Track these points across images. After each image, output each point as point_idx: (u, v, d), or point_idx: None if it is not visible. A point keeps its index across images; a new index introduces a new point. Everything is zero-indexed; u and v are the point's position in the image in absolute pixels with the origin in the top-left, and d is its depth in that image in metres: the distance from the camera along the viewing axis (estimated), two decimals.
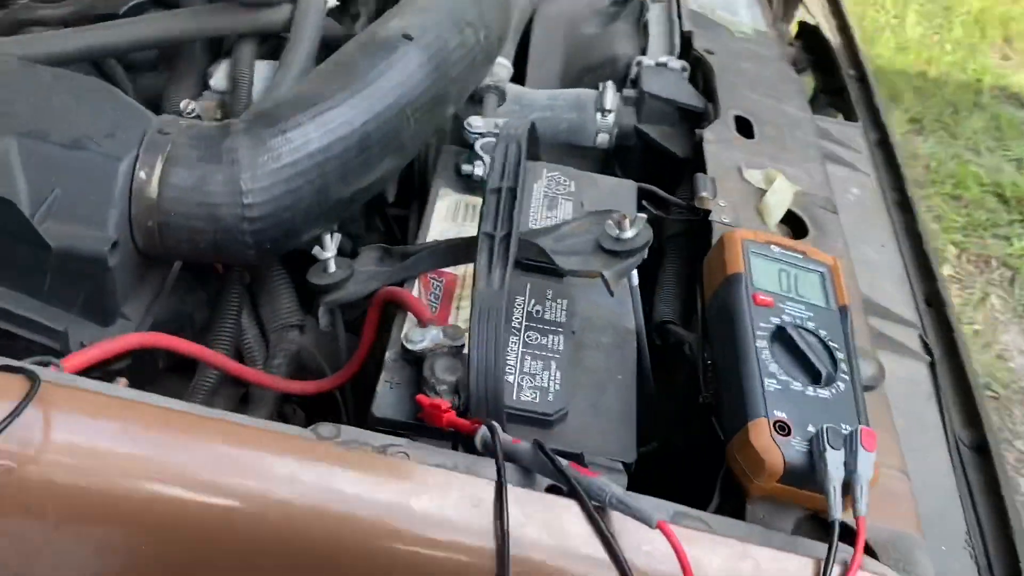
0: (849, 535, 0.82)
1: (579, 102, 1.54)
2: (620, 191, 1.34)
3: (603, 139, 1.53)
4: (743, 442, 0.89)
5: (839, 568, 0.81)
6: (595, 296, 1.16)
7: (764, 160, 1.37)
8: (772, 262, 1.06)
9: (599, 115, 1.52)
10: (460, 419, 0.95)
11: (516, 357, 1.07)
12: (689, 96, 1.53)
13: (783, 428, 0.89)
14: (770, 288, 1.02)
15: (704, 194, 1.23)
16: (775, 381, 0.93)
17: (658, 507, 0.84)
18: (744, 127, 1.45)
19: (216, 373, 1.15)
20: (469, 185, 1.31)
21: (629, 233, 1.06)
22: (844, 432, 0.89)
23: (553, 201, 1.28)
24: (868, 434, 0.88)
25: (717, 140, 1.39)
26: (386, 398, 1.00)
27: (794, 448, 0.88)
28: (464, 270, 1.18)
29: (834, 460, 0.86)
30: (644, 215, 1.07)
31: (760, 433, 0.88)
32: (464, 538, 0.79)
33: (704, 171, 1.31)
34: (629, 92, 1.54)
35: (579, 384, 1.06)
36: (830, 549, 0.81)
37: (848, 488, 0.86)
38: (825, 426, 0.88)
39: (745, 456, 0.89)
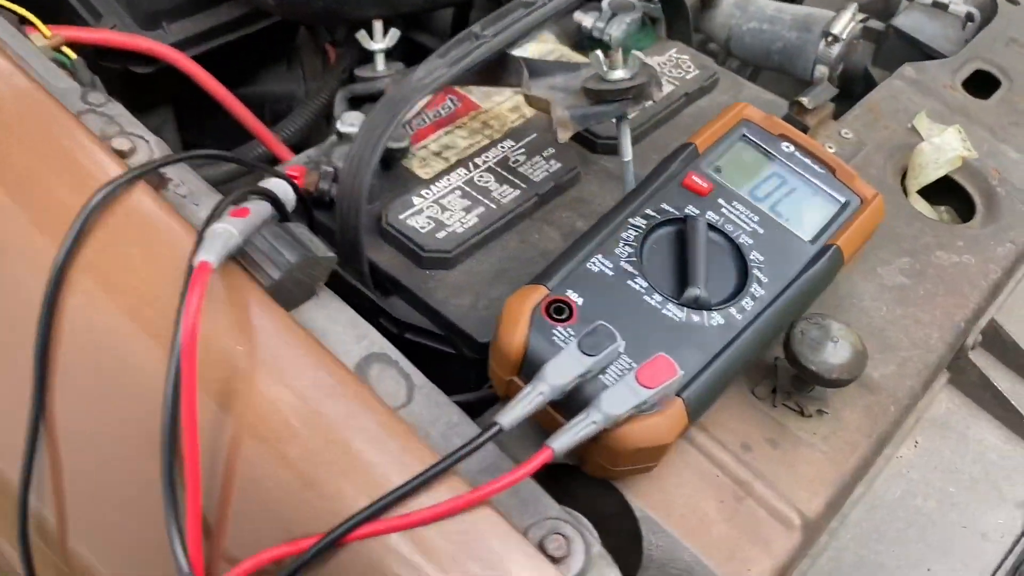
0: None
1: (805, 21, 1.22)
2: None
3: (821, 72, 1.20)
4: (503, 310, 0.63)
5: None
6: (611, 184, 0.91)
7: (978, 128, 0.96)
8: (764, 158, 0.73)
9: (823, 41, 1.20)
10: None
11: (448, 186, 0.88)
12: (954, 50, 1.13)
13: (561, 311, 0.61)
14: (728, 182, 0.71)
15: (805, 100, 0.89)
16: (607, 266, 0.64)
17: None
18: (983, 84, 1.03)
19: None
20: (575, 38, 1.11)
21: (617, 73, 0.81)
22: (620, 347, 0.58)
23: None
24: (654, 370, 0.56)
25: (919, 79, 1.00)
26: None
27: (551, 338, 0.60)
28: (490, 106, 1.01)
29: (572, 366, 0.56)
30: (644, 59, 0.81)
31: (522, 301, 0.62)
32: None
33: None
34: (876, 24, 1.19)
35: (502, 248, 0.85)
36: (461, 450, 0.54)
37: (574, 410, 0.57)
38: (600, 324, 0.58)
39: (496, 330, 0.63)
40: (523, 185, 0.90)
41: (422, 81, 0.85)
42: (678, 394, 0.59)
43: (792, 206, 0.70)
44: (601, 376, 0.58)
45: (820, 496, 0.66)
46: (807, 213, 0.70)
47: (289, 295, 0.64)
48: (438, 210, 0.86)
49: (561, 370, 0.56)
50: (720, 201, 0.69)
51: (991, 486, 0.78)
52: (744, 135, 0.74)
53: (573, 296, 0.62)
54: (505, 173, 0.91)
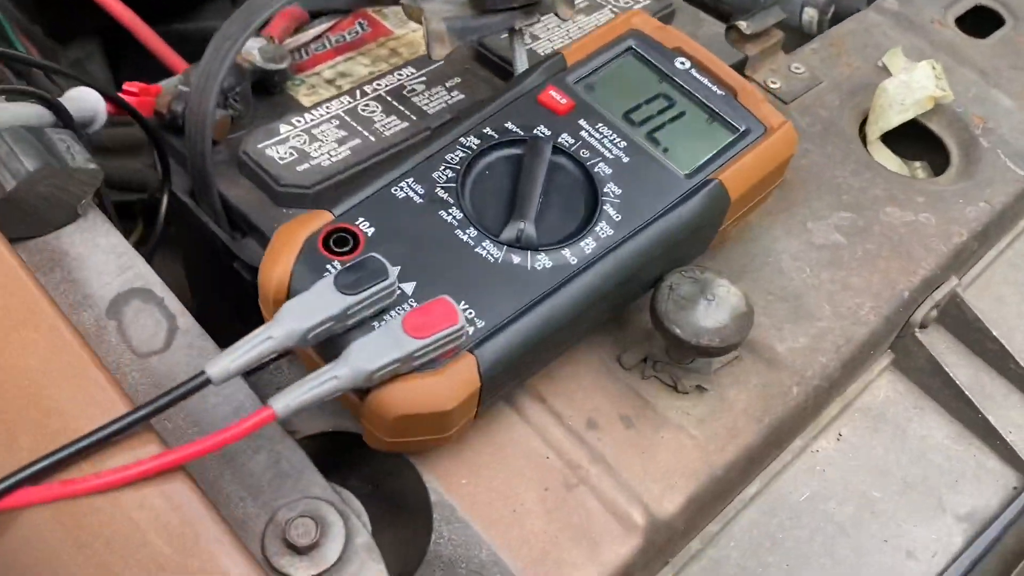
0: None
1: None
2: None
3: (810, 17, 1.04)
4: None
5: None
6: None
7: (966, 70, 0.80)
8: (651, 75, 0.59)
9: None
10: (141, 107, 0.72)
11: (325, 114, 0.77)
12: None
13: (343, 242, 0.49)
14: (597, 101, 0.57)
15: (742, 24, 0.75)
16: (418, 192, 0.52)
17: None
18: (984, 21, 0.87)
19: None
20: None
21: None
22: (393, 286, 0.46)
23: (594, 6, 0.90)
24: (428, 316, 0.44)
25: (902, 12, 0.85)
26: None
27: (323, 274, 0.48)
28: (404, 32, 0.89)
29: (321, 305, 0.44)
30: None
31: (296, 228, 0.50)
32: None
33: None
34: None
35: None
36: (145, 407, 0.42)
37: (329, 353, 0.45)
38: (370, 256, 0.46)
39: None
40: (413, 117, 0.78)
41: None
42: (471, 350, 0.47)
43: (674, 133, 0.57)
44: (375, 323, 0.46)
45: (678, 491, 0.53)
46: (691, 142, 0.56)
47: (38, 214, 0.54)
48: (306, 140, 0.75)
49: (306, 310, 0.44)
50: (581, 122, 0.56)
51: (928, 493, 0.63)
52: (631, 47, 0.60)
53: (363, 225, 0.50)
54: (395, 103, 0.79)
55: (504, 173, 0.54)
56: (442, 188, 0.52)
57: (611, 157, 0.55)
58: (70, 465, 0.41)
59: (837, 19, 1.00)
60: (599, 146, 0.55)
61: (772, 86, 0.75)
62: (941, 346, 0.69)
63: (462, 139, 0.54)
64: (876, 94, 0.75)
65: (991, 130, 0.76)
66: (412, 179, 0.52)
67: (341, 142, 0.75)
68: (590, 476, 0.52)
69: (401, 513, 0.52)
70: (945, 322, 0.71)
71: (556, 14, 0.72)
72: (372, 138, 0.75)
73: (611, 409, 0.55)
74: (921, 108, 0.74)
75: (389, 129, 0.76)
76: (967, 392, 0.66)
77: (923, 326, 0.68)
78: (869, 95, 0.77)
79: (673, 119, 0.57)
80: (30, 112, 0.55)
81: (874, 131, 0.75)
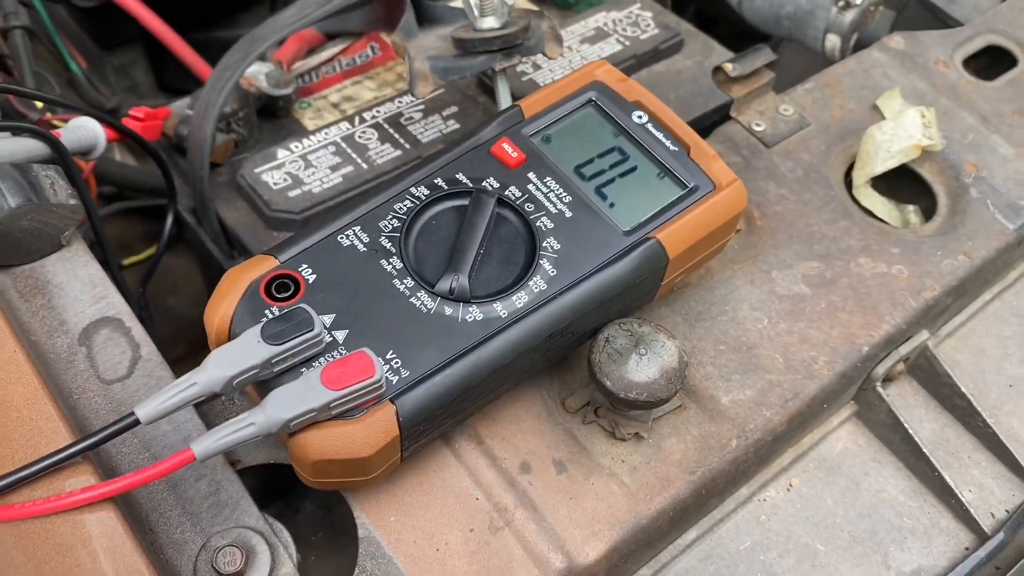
0: None
1: None
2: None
3: (833, 44, 1.04)
4: None
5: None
6: None
7: (965, 114, 0.79)
8: (609, 128, 0.61)
9: (835, 7, 1.03)
10: (147, 130, 0.77)
11: (323, 140, 0.80)
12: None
13: (285, 288, 0.52)
14: (551, 154, 0.59)
15: (728, 67, 0.75)
16: (363, 241, 0.54)
17: None
18: (994, 63, 0.85)
19: None
20: None
21: (487, 22, 0.71)
22: (319, 337, 0.49)
23: (600, 35, 0.91)
24: (346, 368, 0.47)
25: (907, 51, 0.83)
26: None
27: (260, 312, 0.51)
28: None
29: (246, 354, 0.48)
30: (521, 5, 0.70)
31: (241, 272, 0.53)
32: None
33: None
34: None
35: None
36: (76, 444, 0.46)
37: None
38: (298, 308, 0.49)
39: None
40: (407, 146, 0.81)
41: (286, 20, 0.77)
42: (393, 399, 0.49)
43: (623, 188, 0.58)
44: (304, 369, 0.49)
45: (600, 539, 0.55)
46: (638, 198, 0.58)
47: (23, 245, 0.58)
48: (301, 165, 0.78)
49: (230, 358, 0.47)
50: (530, 176, 0.58)
51: (875, 549, 0.64)
52: (592, 100, 0.62)
53: (306, 272, 0.53)
54: (392, 131, 0.82)
55: (448, 224, 0.56)
56: (386, 237, 0.55)
57: (555, 212, 0.56)
58: (11, 491, 0.45)
59: (861, 47, 0.99)
60: (544, 200, 0.57)
61: (756, 128, 0.75)
62: (910, 399, 0.69)
63: (412, 189, 0.57)
64: (863, 140, 0.75)
65: (983, 179, 0.75)
66: (359, 227, 0.55)
67: (335, 168, 0.78)
68: (515, 519, 0.54)
69: (348, 537, 0.55)
70: (916, 375, 0.70)
71: (544, 53, 0.74)
72: (365, 166, 0.79)
73: (546, 453, 0.57)
74: (907, 156, 0.74)
75: (382, 157, 0.80)
76: (925, 449, 0.65)
77: (888, 379, 0.68)
78: (859, 139, 0.76)
79: (624, 174, 0.59)
80: (23, 147, 0.59)
81: (860, 176, 0.75)
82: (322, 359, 0.50)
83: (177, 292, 1.12)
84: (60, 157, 0.62)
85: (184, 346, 1.04)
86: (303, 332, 0.48)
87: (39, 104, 0.96)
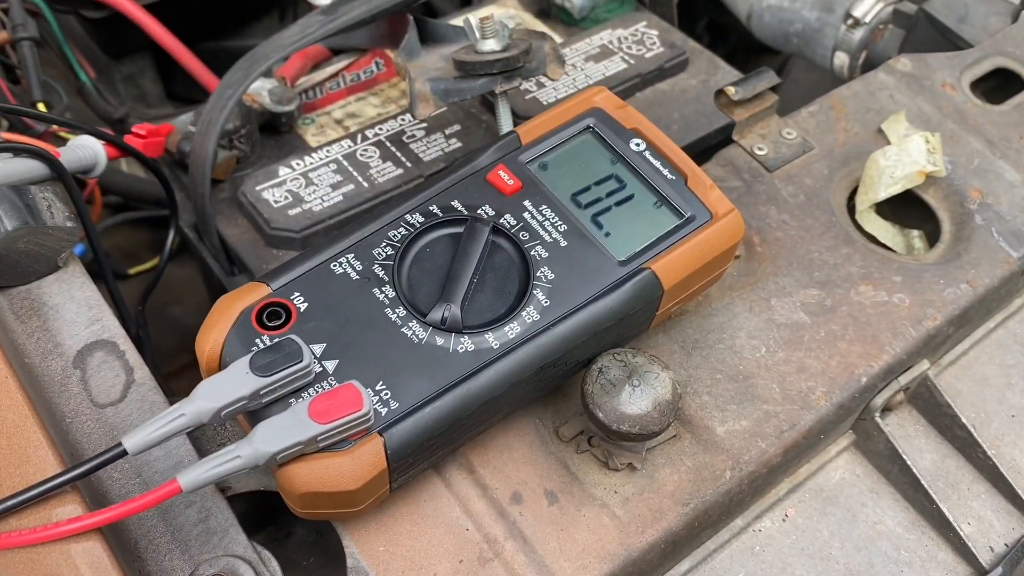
0: None
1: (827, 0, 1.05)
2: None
3: (841, 61, 1.03)
4: None
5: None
6: None
7: (972, 139, 0.78)
8: (606, 156, 0.61)
9: (844, 24, 1.03)
10: (149, 147, 0.77)
11: (324, 157, 0.80)
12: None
13: (276, 315, 0.52)
14: (547, 182, 0.59)
15: (731, 90, 0.74)
16: (355, 269, 0.54)
17: None
18: (1002, 85, 0.84)
19: None
20: (540, 4, 0.99)
21: (488, 44, 0.70)
22: (308, 368, 0.49)
23: (605, 53, 0.91)
24: (334, 401, 0.47)
25: (913, 74, 0.83)
26: None
27: (252, 348, 0.51)
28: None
29: (234, 385, 0.48)
30: (523, 22, 0.70)
31: (233, 300, 0.53)
32: None
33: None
34: (908, 7, 1.00)
35: None
36: (62, 475, 0.46)
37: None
38: (288, 339, 0.49)
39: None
40: (408, 164, 0.81)
41: (289, 39, 0.77)
42: (381, 431, 0.49)
43: (619, 217, 0.58)
44: (294, 400, 0.49)
45: (590, 572, 0.54)
46: (634, 227, 0.57)
47: (19, 267, 0.58)
48: (302, 183, 0.78)
49: (219, 390, 0.47)
50: (526, 203, 0.58)
51: None
52: (590, 127, 0.61)
53: (297, 300, 0.53)
54: (393, 149, 0.82)
55: (443, 252, 0.56)
56: (379, 265, 0.55)
57: (549, 240, 0.56)
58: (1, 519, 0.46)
59: (870, 65, 0.99)
60: (539, 229, 0.57)
61: (758, 152, 0.74)
62: (909, 429, 0.69)
63: (407, 216, 0.56)
64: (867, 165, 0.74)
65: (988, 205, 0.74)
66: (352, 255, 0.55)
67: (335, 187, 0.78)
68: (505, 551, 0.54)
69: (338, 563, 0.55)
70: (916, 404, 0.70)
71: (546, 75, 0.73)
72: (365, 184, 0.79)
73: (538, 483, 0.57)
74: (911, 182, 0.73)
75: (383, 176, 0.79)
76: (924, 482, 0.65)
77: (888, 409, 0.68)
78: (863, 163, 0.75)
79: (620, 203, 0.58)
80: (23, 167, 0.59)
81: (863, 202, 0.74)
82: (311, 389, 0.50)
83: (181, 302, 1.13)
84: (60, 178, 0.62)
85: (187, 356, 1.05)
86: (292, 364, 0.48)
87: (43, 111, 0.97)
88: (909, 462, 0.65)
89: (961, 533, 0.64)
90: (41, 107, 0.98)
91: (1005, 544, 0.65)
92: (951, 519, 0.64)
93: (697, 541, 0.61)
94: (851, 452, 0.68)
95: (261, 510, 0.61)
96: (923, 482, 0.65)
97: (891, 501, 0.67)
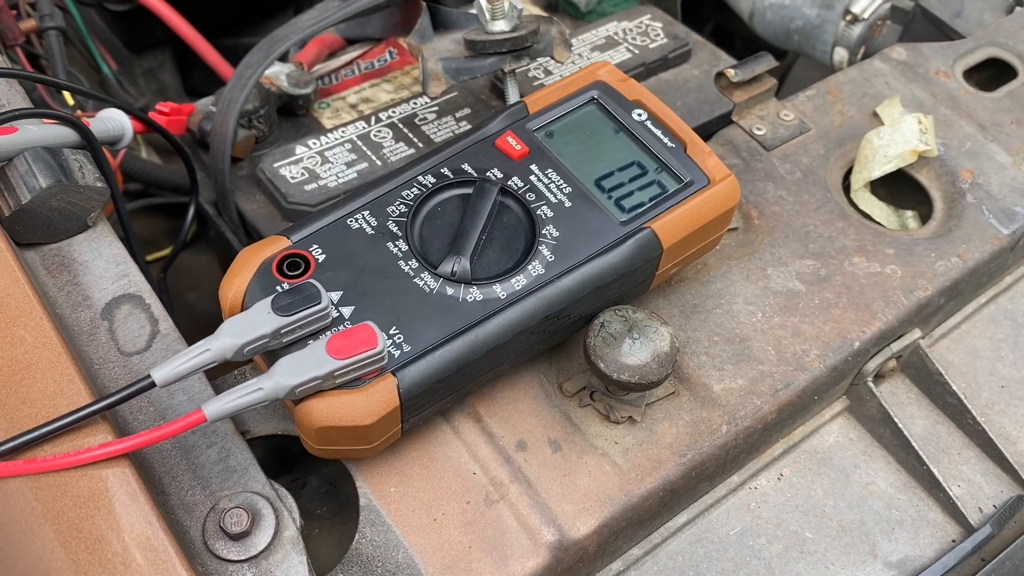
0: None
1: None
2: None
3: (841, 57, 1.06)
4: None
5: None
6: None
7: (964, 123, 0.81)
8: (610, 125, 0.64)
9: (843, 21, 1.06)
10: (173, 125, 0.80)
11: (340, 137, 0.84)
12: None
13: (296, 266, 0.55)
14: (554, 148, 0.62)
15: (730, 72, 0.77)
16: (371, 224, 0.57)
17: None
18: (995, 76, 0.87)
19: None
20: (554, 2, 1.02)
21: (497, 25, 0.74)
22: (327, 310, 0.52)
23: (610, 43, 0.94)
24: (350, 339, 0.50)
25: (908, 62, 0.86)
26: None
27: (272, 288, 0.54)
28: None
29: (257, 324, 0.50)
30: (531, 11, 0.73)
31: (255, 251, 0.56)
32: None
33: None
34: (905, 3, 1.04)
35: None
36: (95, 404, 0.49)
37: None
38: (308, 283, 0.52)
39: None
40: (420, 144, 0.84)
41: (307, 22, 0.81)
42: (394, 372, 0.52)
43: (620, 181, 0.61)
44: (311, 341, 0.52)
45: (591, 515, 0.57)
46: (634, 190, 0.60)
47: (52, 224, 0.62)
48: (318, 161, 0.82)
49: (242, 327, 0.50)
50: (532, 167, 0.61)
51: (863, 538, 0.65)
52: (594, 98, 0.64)
53: (316, 252, 0.56)
54: (406, 130, 0.85)
55: (453, 211, 0.59)
56: (393, 222, 0.58)
57: (555, 201, 0.59)
58: (33, 447, 0.48)
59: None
60: (545, 191, 0.60)
61: (757, 133, 0.77)
62: (902, 396, 0.71)
63: (420, 177, 0.60)
64: (861, 144, 0.77)
65: (979, 185, 0.77)
66: (368, 212, 0.58)
67: (350, 165, 0.81)
68: (510, 493, 0.57)
69: (351, 512, 0.58)
70: (908, 372, 0.72)
71: (552, 57, 0.77)
72: (379, 163, 0.82)
73: (542, 432, 0.60)
74: (904, 161, 0.76)
75: (396, 155, 0.83)
76: (915, 445, 0.67)
77: (880, 376, 0.70)
78: (857, 144, 0.78)
79: (622, 168, 0.61)
80: (55, 133, 0.63)
81: (858, 180, 0.77)
82: (328, 333, 0.53)
83: (197, 288, 1.16)
84: (89, 144, 0.65)
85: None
86: (311, 305, 0.51)
87: (70, 101, 1.01)
88: (901, 426, 0.68)
89: (951, 494, 0.67)
90: (67, 98, 1.02)
91: (994, 505, 0.68)
92: (942, 481, 0.67)
93: (695, 494, 0.64)
94: (845, 416, 0.71)
95: (276, 459, 0.64)
96: (915, 445, 0.67)
97: (883, 463, 0.69)
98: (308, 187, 0.79)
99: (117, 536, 0.47)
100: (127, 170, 1.07)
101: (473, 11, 0.77)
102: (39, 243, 0.62)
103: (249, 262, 0.55)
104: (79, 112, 0.97)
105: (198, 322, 1.11)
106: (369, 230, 0.57)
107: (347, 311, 0.54)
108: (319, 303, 0.51)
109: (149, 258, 1.16)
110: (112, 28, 1.20)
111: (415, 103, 0.88)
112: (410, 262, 0.56)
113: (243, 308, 0.54)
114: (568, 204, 0.59)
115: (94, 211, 0.63)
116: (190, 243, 1.14)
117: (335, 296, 0.54)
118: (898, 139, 0.76)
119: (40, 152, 0.60)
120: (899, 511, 0.67)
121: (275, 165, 0.81)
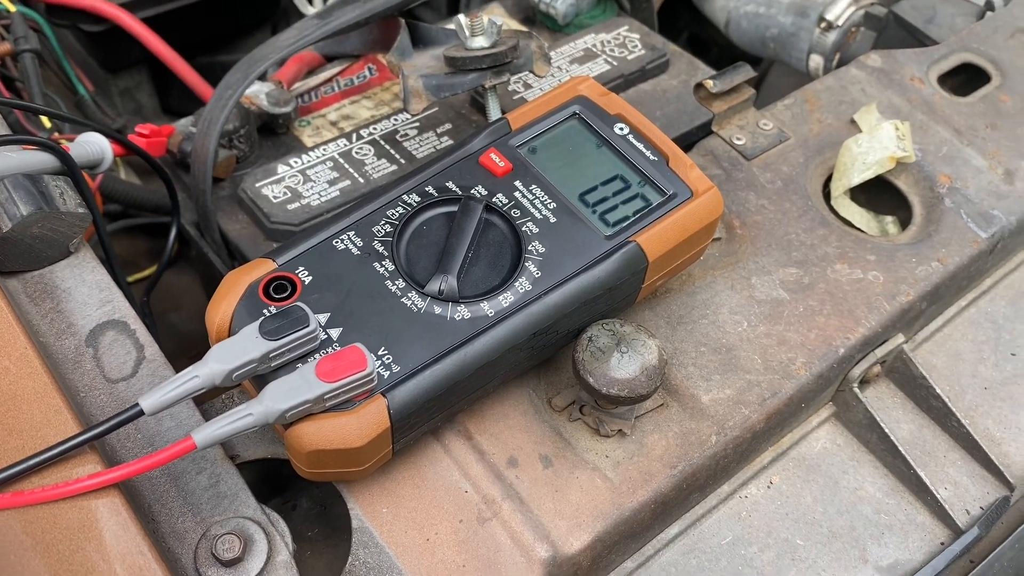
0: None
1: (802, 5, 1.10)
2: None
3: (816, 64, 1.07)
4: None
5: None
6: None
7: (940, 128, 0.82)
8: (592, 139, 0.64)
9: (818, 28, 1.07)
10: (152, 147, 0.80)
11: (321, 155, 0.83)
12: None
13: (282, 289, 0.55)
14: (537, 164, 0.62)
15: (709, 83, 0.78)
16: (356, 245, 0.57)
17: None
18: (969, 81, 0.88)
19: None
20: (527, 12, 1.03)
21: (477, 41, 0.74)
22: (314, 334, 0.51)
23: (589, 56, 0.95)
24: (339, 362, 0.50)
25: (883, 69, 0.87)
26: None
27: (259, 312, 0.54)
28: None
29: (245, 349, 0.50)
30: (510, 26, 0.73)
31: (241, 275, 0.56)
32: None
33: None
34: (879, 10, 1.05)
35: None
36: (84, 433, 0.49)
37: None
38: (295, 306, 0.52)
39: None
40: (402, 161, 0.84)
41: (285, 41, 0.80)
42: (384, 393, 0.52)
43: (605, 195, 0.61)
44: (299, 364, 0.52)
45: (584, 530, 0.57)
46: (618, 204, 0.60)
47: (33, 251, 0.61)
48: (300, 180, 0.81)
49: (230, 353, 0.50)
50: (516, 184, 0.61)
51: (853, 543, 0.66)
52: (576, 113, 0.65)
53: (302, 274, 0.56)
54: (387, 146, 0.85)
55: (438, 229, 0.59)
56: (379, 241, 0.57)
57: (539, 217, 0.59)
58: (21, 479, 0.48)
59: (842, 66, 1.02)
60: (530, 207, 0.60)
61: (736, 143, 0.78)
62: (887, 400, 0.72)
63: (404, 196, 0.60)
64: (840, 152, 0.78)
65: (957, 189, 0.77)
66: (353, 232, 0.58)
67: (332, 183, 0.81)
68: (502, 511, 0.57)
69: (343, 534, 0.58)
70: (893, 377, 0.73)
71: (533, 72, 0.77)
72: (361, 180, 0.82)
73: (533, 448, 0.60)
74: (882, 167, 0.77)
75: (378, 172, 0.83)
76: (902, 448, 0.68)
77: (865, 381, 0.71)
78: (836, 152, 0.79)
79: (606, 182, 0.62)
80: (35, 159, 0.62)
81: (837, 187, 0.77)
82: (317, 355, 0.52)
83: (180, 308, 1.15)
84: (69, 169, 0.65)
85: (186, 361, 1.07)
86: (299, 328, 0.51)
87: (47, 124, 1.00)
88: (887, 431, 0.68)
89: (938, 497, 0.67)
90: (43, 120, 1.01)
91: (980, 507, 0.68)
92: (929, 484, 0.67)
93: (686, 505, 0.64)
94: (832, 423, 0.71)
95: (266, 483, 0.63)
96: (901, 450, 0.68)
97: (871, 468, 0.69)
98: (291, 206, 0.79)
99: (108, 567, 0.46)
100: (106, 191, 1.07)
101: (452, 27, 0.77)
102: (21, 271, 0.62)
103: (235, 286, 0.55)
104: (56, 135, 0.96)
105: (182, 343, 1.11)
106: (355, 251, 0.57)
107: (335, 333, 0.54)
108: (307, 326, 0.51)
109: (131, 279, 1.15)
110: (88, 49, 1.19)
111: (396, 119, 0.88)
112: (397, 282, 0.56)
113: (230, 332, 0.54)
114: (553, 220, 0.59)
115: (76, 237, 0.62)
116: (172, 263, 1.13)
117: (323, 318, 0.54)
118: (876, 146, 0.77)
119: (20, 179, 0.60)
120: (888, 515, 0.67)
121: (257, 185, 0.81)
